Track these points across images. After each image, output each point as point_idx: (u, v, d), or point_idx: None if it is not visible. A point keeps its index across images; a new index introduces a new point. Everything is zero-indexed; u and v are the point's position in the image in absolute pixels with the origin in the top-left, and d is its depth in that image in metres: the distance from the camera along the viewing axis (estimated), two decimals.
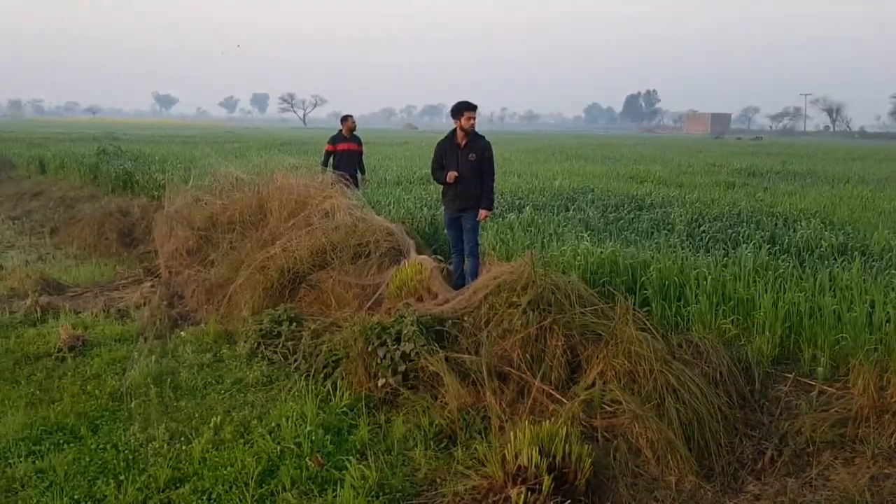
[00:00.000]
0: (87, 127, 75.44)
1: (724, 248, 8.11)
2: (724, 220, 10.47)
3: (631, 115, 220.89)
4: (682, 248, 7.96)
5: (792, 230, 9.53)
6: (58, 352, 6.75)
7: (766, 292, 6.05)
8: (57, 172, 21.47)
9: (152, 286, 9.43)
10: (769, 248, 7.96)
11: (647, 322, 5.46)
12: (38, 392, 5.88)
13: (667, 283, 6.51)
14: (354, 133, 11.69)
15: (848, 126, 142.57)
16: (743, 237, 8.92)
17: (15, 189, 19.92)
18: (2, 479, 4.46)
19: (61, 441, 5.00)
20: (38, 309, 8.09)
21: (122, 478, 4.49)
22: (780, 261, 7.33)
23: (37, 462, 4.70)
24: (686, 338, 5.76)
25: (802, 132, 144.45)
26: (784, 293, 6.08)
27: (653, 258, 7.05)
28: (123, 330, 7.56)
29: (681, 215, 10.75)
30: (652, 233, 9.42)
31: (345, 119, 11.68)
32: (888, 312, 5.62)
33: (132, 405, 5.58)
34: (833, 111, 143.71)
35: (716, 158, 28.54)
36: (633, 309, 5.53)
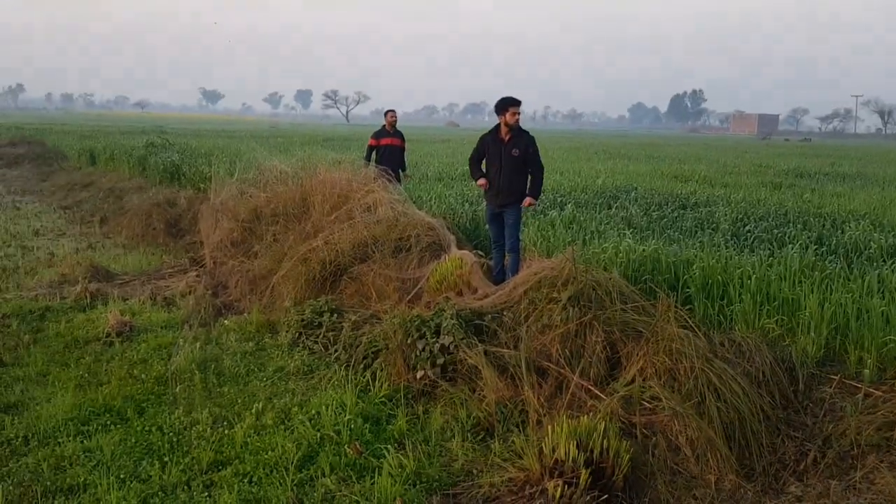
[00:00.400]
0: (135, 121, 77.12)
1: (769, 248, 7.98)
2: (769, 220, 10.30)
3: (676, 115, 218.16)
4: (727, 248, 7.86)
5: (840, 231, 9.34)
6: (106, 337, 6.93)
7: (812, 293, 5.95)
8: (107, 164, 21.99)
9: (197, 276, 9.61)
10: (816, 249, 7.82)
11: (688, 320, 5.40)
12: (86, 375, 6.05)
13: (710, 281, 6.43)
14: (396, 128, 11.74)
15: None
16: (789, 237, 8.76)
17: (66, 180, 20.45)
18: (51, 457, 4.60)
19: (108, 422, 5.14)
20: (88, 295, 8.32)
21: (166, 459, 4.61)
22: (826, 262, 7.20)
23: (85, 442, 4.84)
24: (729, 337, 5.69)
25: (853, 134, 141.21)
26: (830, 294, 5.97)
27: (696, 256, 6.98)
28: (169, 317, 7.74)
29: (725, 214, 10.61)
30: (696, 231, 9.31)
31: (387, 113, 11.73)
32: None
33: (177, 389, 5.71)
34: (885, 113, 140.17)
35: (762, 159, 28.05)
36: (675, 307, 5.48)
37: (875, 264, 7.29)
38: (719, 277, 6.44)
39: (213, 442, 4.83)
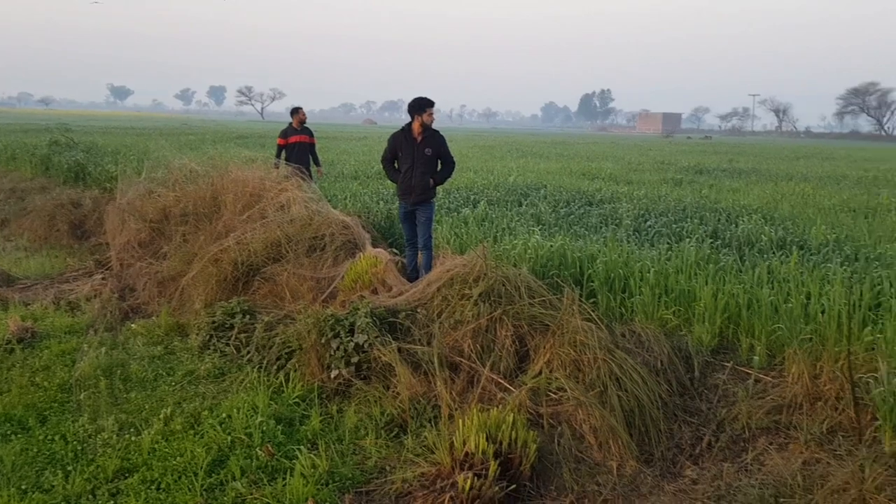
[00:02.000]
0: (39, 118, 73.56)
1: (668, 242, 8.35)
2: (669, 215, 10.74)
3: (586, 114, 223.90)
4: (629, 242, 8.18)
5: (734, 225, 9.84)
6: (6, 343, 6.66)
7: (707, 284, 6.28)
8: (7, 164, 20.96)
9: (103, 278, 9.32)
10: (711, 242, 8.23)
11: (592, 313, 5.63)
12: None
13: (612, 275, 6.70)
14: (305, 125, 11.68)
15: (794, 126, 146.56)
16: (687, 232, 9.18)
17: None
18: None
19: (9, 432, 4.97)
20: None
21: (70, 468, 4.50)
22: (721, 254, 7.60)
23: None
24: (629, 328, 5.95)
25: (750, 132, 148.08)
26: (724, 285, 6.31)
27: (600, 251, 7.25)
28: (73, 322, 7.49)
29: (628, 211, 11.01)
30: (600, 227, 9.63)
31: (295, 111, 11.67)
32: (823, 304, 5.87)
33: (81, 397, 5.55)
34: (780, 111, 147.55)
35: (665, 156, 29.13)
36: (580, 300, 5.69)
37: (765, 256, 7.73)
38: (621, 271, 6.71)
39: (120, 449, 4.74)
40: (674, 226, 9.70)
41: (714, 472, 4.68)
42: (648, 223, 9.94)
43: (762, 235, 8.82)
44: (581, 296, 6.01)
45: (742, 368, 5.66)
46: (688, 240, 8.16)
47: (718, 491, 4.46)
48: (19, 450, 4.70)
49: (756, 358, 5.62)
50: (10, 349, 6.58)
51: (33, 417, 5.19)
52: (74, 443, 4.83)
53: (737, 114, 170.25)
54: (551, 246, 7.44)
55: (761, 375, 5.52)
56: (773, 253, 7.97)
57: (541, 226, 9.35)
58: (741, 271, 6.84)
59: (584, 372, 5.16)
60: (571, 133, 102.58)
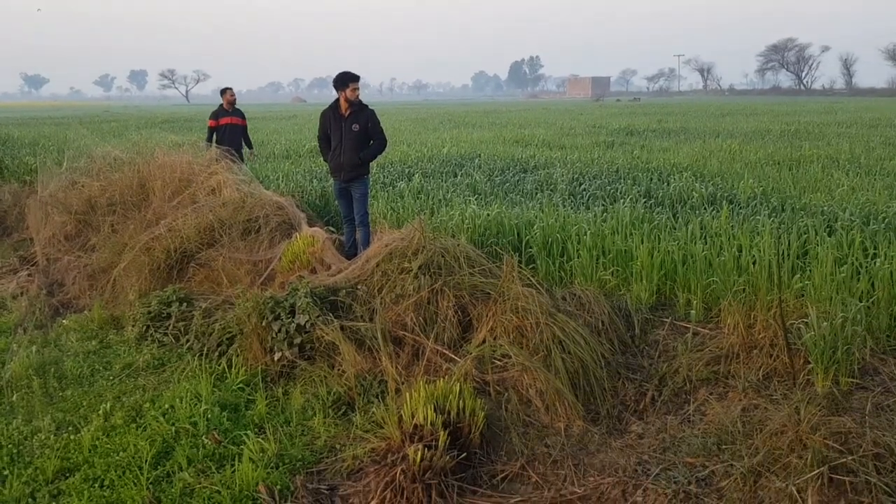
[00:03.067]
0: None
1: (603, 205, 8.48)
2: (603, 177, 10.90)
3: (516, 82, 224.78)
4: (564, 207, 8.28)
5: (666, 184, 10.05)
6: None
7: (643, 243, 6.40)
8: None
9: (29, 275, 8.96)
10: (645, 202, 8.39)
11: (532, 278, 5.68)
12: None
13: (550, 240, 6.76)
14: (236, 106, 11.40)
15: (719, 84, 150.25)
16: (621, 193, 9.34)
17: None
18: None
19: None
20: None
21: (6, 473, 4.32)
22: (655, 213, 7.74)
23: None
24: (570, 291, 6.02)
25: (677, 92, 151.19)
26: (659, 243, 6.44)
27: (536, 217, 7.31)
28: (0, 322, 7.19)
29: (563, 175, 11.13)
30: (536, 193, 9.71)
31: (224, 92, 11.36)
32: (754, 255, 6.06)
33: (14, 398, 5.34)
34: (704, 71, 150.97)
35: (596, 120, 29.51)
36: (519, 266, 5.73)
37: (697, 212, 7.92)
38: (558, 235, 6.78)
39: (58, 449, 4.58)
40: (608, 188, 9.85)
41: (658, 426, 4.80)
42: (583, 186, 10.06)
43: (693, 192, 9.03)
44: (520, 262, 6.05)
45: (680, 323, 5.81)
46: (622, 201, 8.30)
47: (664, 443, 4.57)
48: None
49: (693, 312, 5.77)
50: None
51: None
52: (9, 446, 4.64)
53: (663, 75, 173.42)
54: (488, 215, 7.47)
55: (699, 329, 5.67)
56: (705, 209, 8.18)
57: (477, 195, 9.37)
58: (675, 228, 7.00)
59: (528, 337, 5.21)
60: (503, 101, 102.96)
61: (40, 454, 4.53)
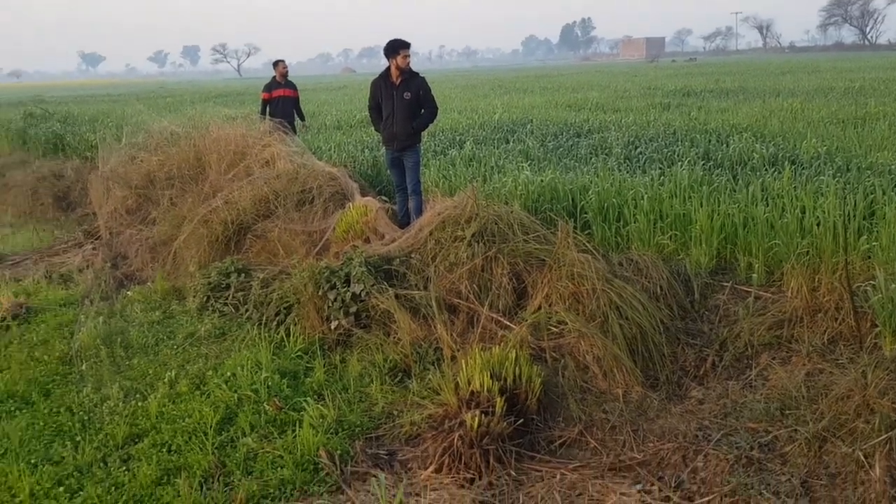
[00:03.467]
0: (11, 92, 72.12)
1: (660, 168, 8.29)
2: (659, 140, 10.65)
3: (568, 45, 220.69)
4: (620, 171, 8.12)
5: (725, 145, 9.76)
6: (0, 321, 6.62)
7: (702, 206, 6.24)
8: None
9: (94, 249, 9.24)
10: (703, 164, 8.17)
11: (587, 244, 5.60)
12: None
13: (606, 205, 6.65)
14: (288, 79, 11.46)
15: (778, 42, 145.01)
16: (678, 155, 9.11)
17: None
18: None
19: (13, 408, 4.96)
20: None
21: (78, 439, 4.50)
22: (714, 175, 7.54)
23: None
24: (626, 256, 5.93)
25: (735, 51, 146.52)
26: (719, 206, 6.27)
27: (591, 182, 7.18)
28: (68, 294, 7.44)
29: (618, 139, 10.91)
30: (590, 158, 9.54)
31: (276, 64, 11.42)
32: (817, 217, 5.86)
33: (83, 367, 5.54)
34: (763, 28, 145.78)
35: (651, 82, 28.82)
36: (575, 232, 5.66)
37: (758, 174, 7.69)
38: (614, 200, 6.66)
39: (127, 416, 4.74)
40: (665, 150, 9.62)
41: (719, 391, 4.73)
42: (639, 150, 9.85)
43: (754, 153, 8.76)
44: (575, 228, 5.98)
45: (741, 287, 5.67)
46: (680, 163, 8.10)
47: (725, 409, 4.50)
48: (25, 425, 4.70)
49: (755, 275, 5.63)
50: (6, 326, 6.54)
51: (36, 392, 5.18)
52: (80, 413, 4.83)
53: (720, 33, 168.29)
54: (542, 181, 7.37)
55: (761, 292, 5.53)
56: (766, 170, 7.93)
57: (530, 161, 9.26)
58: (735, 191, 6.80)
59: (584, 303, 5.15)
60: (554, 65, 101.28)
61: (110, 420, 4.69)
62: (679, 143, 10.20)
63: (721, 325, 5.36)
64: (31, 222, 11.50)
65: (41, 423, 4.72)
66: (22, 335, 6.34)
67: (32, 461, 4.26)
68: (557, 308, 5.16)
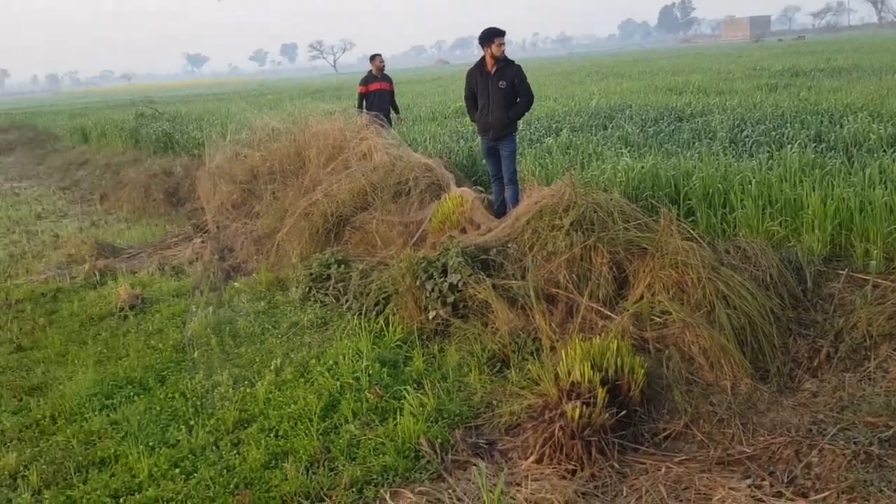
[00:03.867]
0: (123, 94, 76.20)
1: (768, 151, 7.92)
2: (767, 122, 10.17)
3: (666, 27, 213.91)
4: (725, 155, 7.80)
5: (839, 126, 9.23)
6: (119, 311, 7.01)
7: (814, 190, 5.92)
8: (99, 140, 21.86)
9: (202, 242, 9.65)
10: (815, 147, 7.76)
11: (692, 231, 5.41)
12: (104, 350, 6.14)
13: (711, 190, 6.41)
14: (384, 72, 11.58)
15: (894, 16, 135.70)
16: (787, 138, 8.69)
17: (61, 160, 20.37)
18: (80, 432, 4.71)
19: (131, 394, 5.24)
20: (97, 272, 8.39)
21: (192, 423, 4.71)
22: (827, 158, 7.14)
23: (111, 415, 4.94)
24: (733, 244, 5.69)
25: (847, 27, 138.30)
26: (832, 190, 5.93)
27: (695, 167, 6.94)
28: (179, 286, 7.80)
29: (722, 122, 10.50)
30: (693, 143, 9.22)
31: (373, 58, 11.56)
32: None
33: (195, 355, 5.79)
34: (878, 1, 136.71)
35: (756, 62, 27.58)
36: (678, 220, 5.47)
37: (875, 155, 7.23)
38: (720, 186, 6.41)
39: (237, 401, 4.93)
40: (773, 133, 9.19)
41: (835, 384, 4.48)
42: (745, 133, 9.45)
43: (870, 134, 8.24)
44: (679, 215, 5.78)
45: (858, 275, 5.35)
46: (789, 146, 7.70)
47: (841, 402, 4.27)
48: (143, 409, 4.96)
49: (873, 262, 5.30)
50: (124, 316, 6.92)
51: (152, 378, 5.46)
52: (193, 399, 5.05)
53: (830, 9, 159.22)
54: (642, 167, 7.17)
55: (879, 280, 5.20)
56: (884, 151, 7.44)
57: (629, 147, 9.03)
58: (850, 174, 6.42)
59: (689, 293, 4.98)
60: (652, 49, 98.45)
61: (221, 406, 4.89)
62: (788, 125, 9.71)
63: (836, 315, 5.07)
64: (145, 217, 12.12)
65: (158, 408, 4.97)
66: (139, 324, 6.69)
67: (150, 444, 4.49)
68: (661, 297, 5.00)
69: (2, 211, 13.81)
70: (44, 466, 4.32)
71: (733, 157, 7.78)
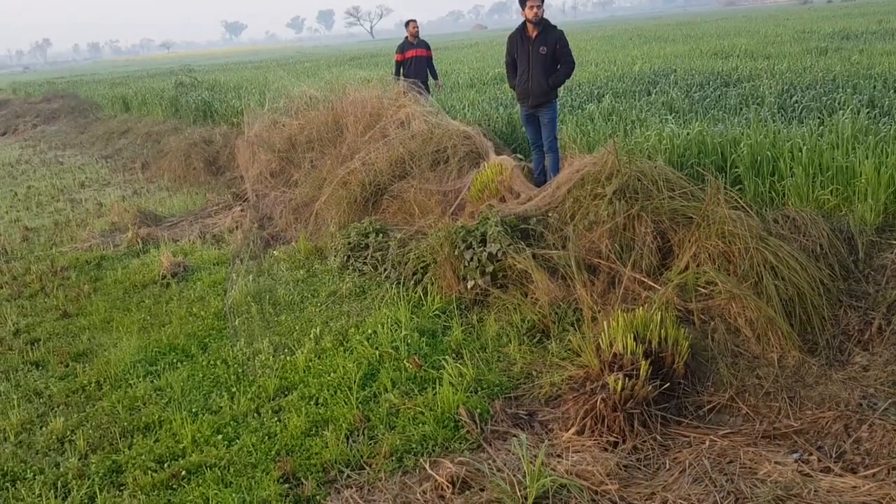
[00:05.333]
0: (163, 63, 76.83)
1: (818, 118, 7.65)
2: (817, 87, 9.83)
3: None
4: (774, 122, 7.54)
5: (893, 91, 8.88)
6: (162, 279, 7.10)
7: (868, 158, 5.69)
8: (140, 109, 22.04)
9: (242, 210, 9.70)
10: (868, 112, 7.44)
11: (739, 200, 5.25)
12: (148, 317, 6.22)
13: (759, 158, 6.20)
14: (421, 38, 11.43)
15: None
16: (839, 104, 8.37)
17: (104, 129, 20.60)
18: (125, 398, 4.79)
19: (175, 360, 5.31)
20: (139, 240, 8.50)
21: (234, 390, 4.76)
22: (880, 124, 6.86)
23: (154, 381, 5.02)
24: (782, 213, 5.52)
25: None
26: (887, 157, 5.70)
27: (743, 134, 6.71)
28: (220, 254, 7.86)
29: (770, 87, 10.16)
30: (740, 109, 8.95)
31: (407, 24, 11.42)
32: None
33: (236, 323, 5.84)
34: None
35: (805, 25, 26.67)
36: (725, 188, 5.31)
37: None
38: (768, 153, 6.20)
39: (277, 369, 4.96)
40: (824, 98, 8.87)
41: (887, 357, 4.35)
42: (794, 99, 9.13)
43: None
44: (725, 184, 5.61)
45: None
46: (841, 112, 7.41)
47: (893, 376, 4.15)
48: (186, 376, 5.02)
49: None
50: (166, 284, 7.00)
51: (195, 345, 5.52)
52: (235, 366, 5.10)
53: None
54: (688, 134, 6.97)
55: None
56: None
57: (674, 114, 8.80)
58: None
59: (735, 263, 4.85)
60: (696, 12, 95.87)
61: (262, 374, 4.93)
62: (840, 90, 9.36)
63: (889, 287, 4.89)
64: (185, 186, 12.22)
65: (200, 375, 5.03)
66: (181, 292, 6.76)
67: (193, 410, 4.55)
68: (706, 268, 4.88)
69: (46, 179, 14.06)
70: (90, 431, 4.41)
71: (782, 123, 7.52)
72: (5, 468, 4.09)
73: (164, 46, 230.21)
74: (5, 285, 7.45)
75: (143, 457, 4.06)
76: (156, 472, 3.93)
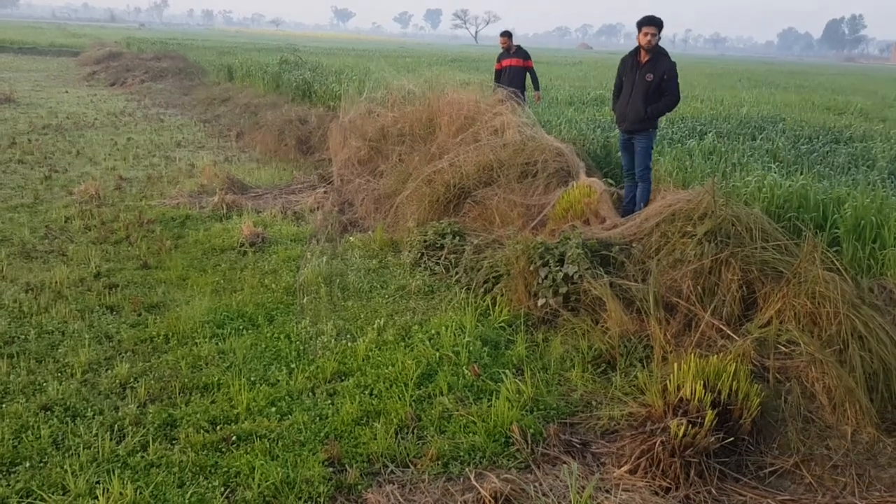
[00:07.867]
0: (270, 38, 78.93)
1: None
2: None
3: (830, 43, 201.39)
4: (884, 186, 7.20)
5: None
6: (240, 246, 7.24)
7: None
8: (243, 80, 22.67)
9: (325, 192, 9.84)
10: None
11: (835, 262, 5.01)
12: (222, 281, 6.35)
13: (862, 222, 5.92)
14: (520, 48, 11.37)
15: None
16: None
17: (206, 94, 21.27)
18: (189, 356, 4.88)
19: (241, 327, 5.39)
20: (224, 206, 8.70)
21: (293, 366, 4.80)
22: None
23: (219, 344, 5.10)
24: (879, 282, 5.26)
25: None
26: None
27: (848, 195, 6.43)
28: (298, 231, 7.98)
29: (883, 151, 9.73)
30: (849, 168, 8.59)
31: (501, 35, 11.47)
32: None
33: (304, 301, 5.90)
34: None
35: None
36: (822, 248, 5.09)
37: None
38: (873, 218, 5.91)
39: (337, 353, 4.98)
40: None
41: None
42: None
43: None
44: (823, 243, 5.37)
45: None
46: None
47: None
48: (249, 344, 5.09)
49: None
50: (244, 251, 7.14)
51: (262, 316, 5.59)
52: (297, 343, 5.14)
53: None
54: (790, 185, 6.72)
55: None
56: None
57: (778, 163, 8.51)
58: None
59: (821, 327, 4.62)
60: (812, 63, 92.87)
61: (322, 355, 4.95)
62: None
63: None
64: (275, 160, 12.48)
65: (263, 346, 5.09)
66: (256, 262, 6.88)
67: (252, 379, 4.60)
68: (790, 326, 4.67)
69: (146, 134, 14.58)
70: (152, 382, 4.51)
71: (892, 189, 7.17)
72: (68, 403, 4.22)
73: (274, 23, 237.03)
74: (94, 228, 7.73)
75: (198, 415, 4.13)
76: (208, 432, 3.98)
